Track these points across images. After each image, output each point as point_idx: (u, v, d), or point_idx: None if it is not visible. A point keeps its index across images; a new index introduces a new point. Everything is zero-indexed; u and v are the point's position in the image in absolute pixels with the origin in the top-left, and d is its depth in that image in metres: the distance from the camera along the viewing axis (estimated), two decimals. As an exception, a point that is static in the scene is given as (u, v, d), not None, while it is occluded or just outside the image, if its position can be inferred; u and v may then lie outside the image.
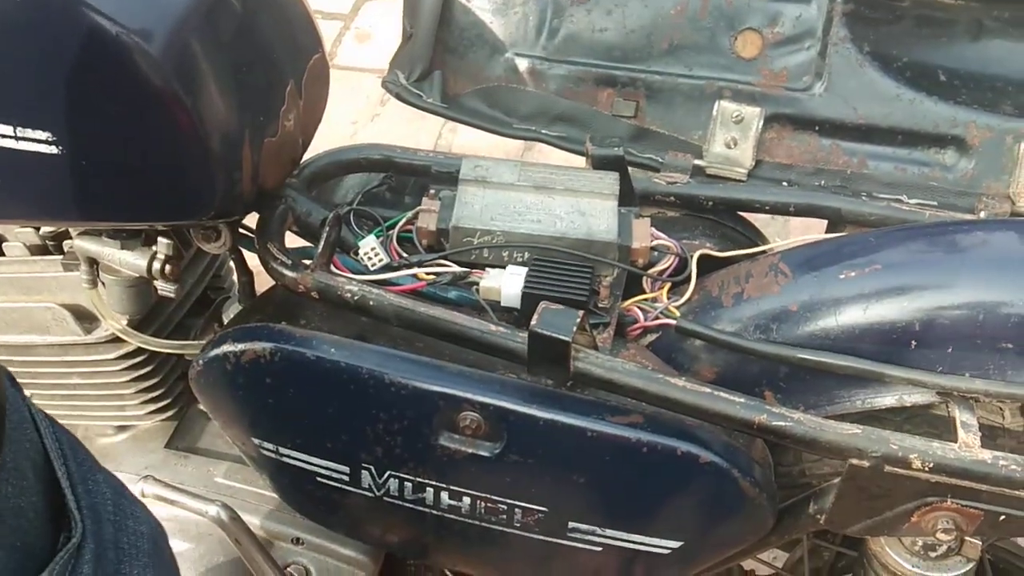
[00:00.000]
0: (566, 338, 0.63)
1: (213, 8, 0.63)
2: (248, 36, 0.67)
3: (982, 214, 0.80)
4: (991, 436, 0.65)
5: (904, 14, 0.83)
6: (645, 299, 0.74)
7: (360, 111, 2.18)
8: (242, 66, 0.66)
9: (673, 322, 0.71)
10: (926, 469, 0.60)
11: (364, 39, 2.48)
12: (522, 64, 0.88)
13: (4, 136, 0.61)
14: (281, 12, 0.72)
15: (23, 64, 0.60)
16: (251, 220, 0.77)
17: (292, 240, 0.76)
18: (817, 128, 0.84)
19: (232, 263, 0.82)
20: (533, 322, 0.64)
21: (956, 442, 0.61)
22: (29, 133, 0.61)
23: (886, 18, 0.83)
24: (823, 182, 0.84)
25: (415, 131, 1.98)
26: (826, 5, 0.82)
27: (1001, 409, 0.70)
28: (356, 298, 0.68)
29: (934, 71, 0.83)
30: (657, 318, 0.73)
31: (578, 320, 0.64)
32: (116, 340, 0.79)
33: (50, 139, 0.61)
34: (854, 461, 0.62)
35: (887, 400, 0.67)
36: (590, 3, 0.86)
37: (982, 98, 0.83)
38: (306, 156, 0.79)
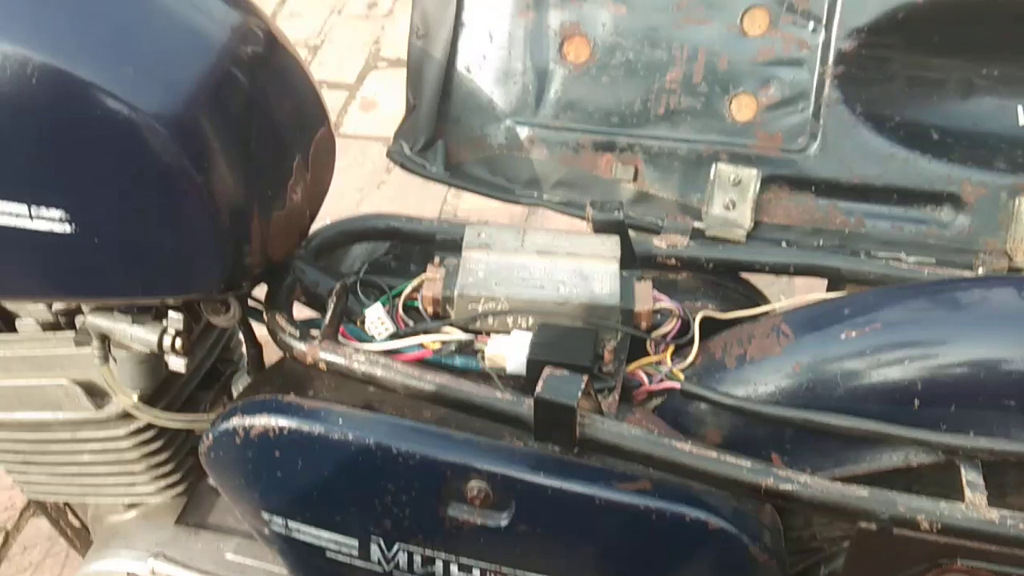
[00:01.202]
0: (571, 404, 0.63)
1: (223, 85, 0.65)
2: (257, 112, 0.69)
3: (980, 270, 0.80)
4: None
5: (895, 74, 0.85)
6: (650, 362, 0.75)
7: (366, 178, 2.21)
8: (251, 141, 0.67)
9: (678, 385, 0.72)
10: (934, 530, 0.60)
11: (369, 107, 2.52)
12: (523, 132, 0.90)
13: (19, 216, 0.63)
14: (288, 87, 0.74)
15: (38, 145, 0.62)
16: (260, 291, 0.78)
17: (301, 310, 0.77)
18: (814, 188, 0.85)
19: (241, 335, 0.83)
20: (538, 389, 0.64)
21: (963, 502, 0.61)
22: (44, 212, 0.63)
23: (877, 79, 0.84)
24: (822, 241, 0.85)
25: (421, 197, 2.01)
26: (818, 68, 0.84)
27: None
28: (363, 369, 0.69)
29: (927, 130, 0.85)
30: (662, 381, 0.73)
31: (582, 386, 0.64)
32: (127, 416, 0.80)
33: (64, 218, 0.63)
34: (863, 524, 0.62)
35: (893, 460, 0.67)
36: (587, 71, 0.89)
37: (975, 155, 0.84)
38: (314, 225, 0.81)
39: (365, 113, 2.52)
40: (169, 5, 0.65)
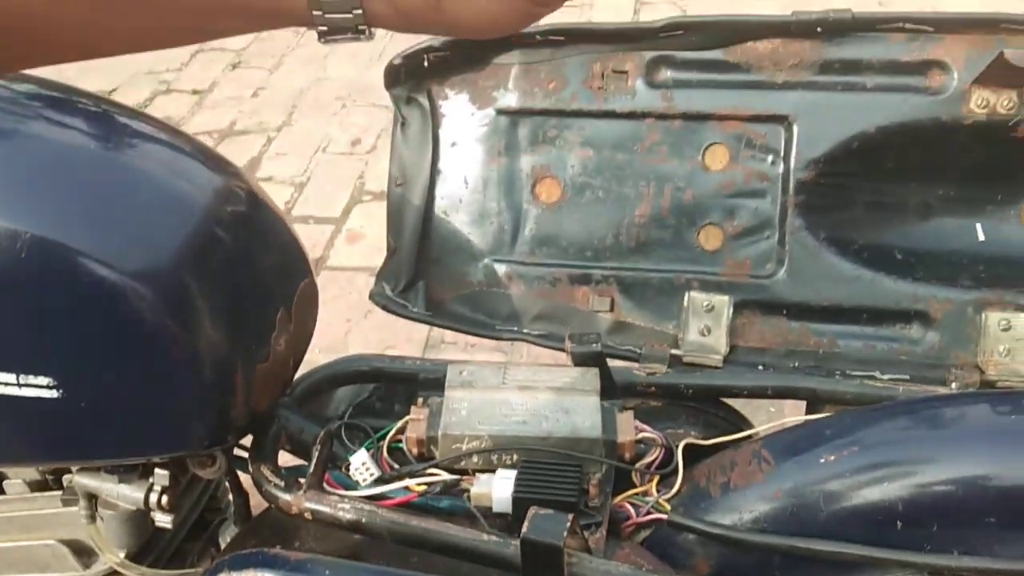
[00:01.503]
0: (558, 544, 0.64)
1: (206, 246, 0.68)
2: (240, 268, 0.71)
3: (953, 385, 0.82)
4: None
5: (854, 200, 0.89)
6: (635, 494, 0.75)
7: (353, 309, 2.23)
8: (234, 298, 0.70)
9: (665, 517, 0.72)
10: None
11: (355, 240, 2.58)
12: (500, 269, 0.93)
13: (7, 384, 0.64)
14: (271, 242, 0.77)
15: (27, 315, 0.64)
16: (248, 437, 0.79)
17: (291, 457, 0.78)
18: (785, 312, 0.88)
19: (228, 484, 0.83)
20: (524, 529, 0.65)
21: None
22: (31, 380, 0.64)
23: (838, 205, 0.88)
24: (797, 363, 0.87)
25: (408, 325, 2.02)
26: (779, 198, 0.88)
27: None
28: (347, 517, 0.69)
29: (890, 251, 0.88)
30: (648, 513, 0.74)
31: (568, 524, 0.65)
32: (115, 574, 0.79)
33: (52, 384, 0.64)
34: None
35: None
36: (559, 209, 0.92)
37: (939, 273, 0.87)
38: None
39: (351, 245, 2.57)
40: (153, 173, 0.68)
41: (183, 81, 3.37)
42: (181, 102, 3.24)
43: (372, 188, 2.75)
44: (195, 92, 3.30)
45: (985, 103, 0.83)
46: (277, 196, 2.74)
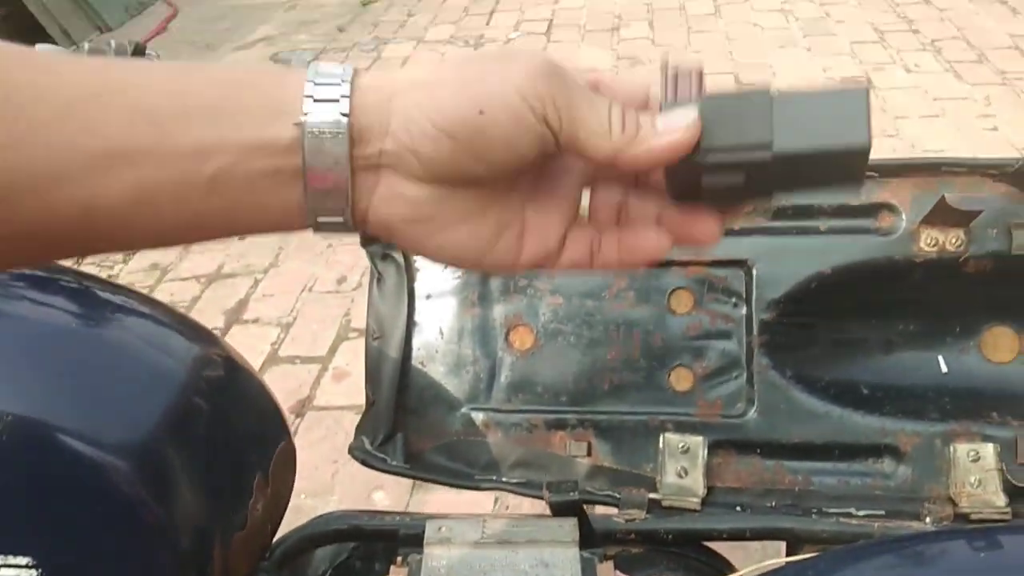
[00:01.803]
0: None
1: (183, 416, 0.69)
2: (216, 437, 0.72)
3: (928, 520, 0.83)
4: None
5: (818, 338, 0.91)
6: (619, 646, 0.75)
7: (340, 449, 2.22)
8: (211, 467, 0.71)
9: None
10: None
11: (341, 378, 2.59)
12: (478, 417, 0.94)
13: (-14, 565, 0.65)
14: (247, 407, 0.78)
15: (5, 496, 0.64)
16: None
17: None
18: (759, 450, 0.89)
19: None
20: None
21: None
22: (11, 560, 0.64)
23: (801, 343, 0.91)
24: (774, 502, 0.87)
25: (395, 464, 2.02)
26: (745, 338, 0.90)
27: None
28: None
29: (856, 386, 0.90)
30: (632, 666, 0.73)
31: None
32: None
33: (31, 563, 0.64)
34: None
35: None
36: (533, 356, 0.94)
37: (906, 406, 0.89)
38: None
39: (337, 384, 2.58)
40: (129, 346, 0.71)
41: (171, 227, 3.45)
42: (169, 248, 3.31)
43: (358, 325, 2.79)
44: (183, 237, 3.37)
45: (934, 242, 0.86)
46: (263, 338, 2.76)
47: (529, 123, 0.41)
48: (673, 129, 0.42)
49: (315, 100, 0.41)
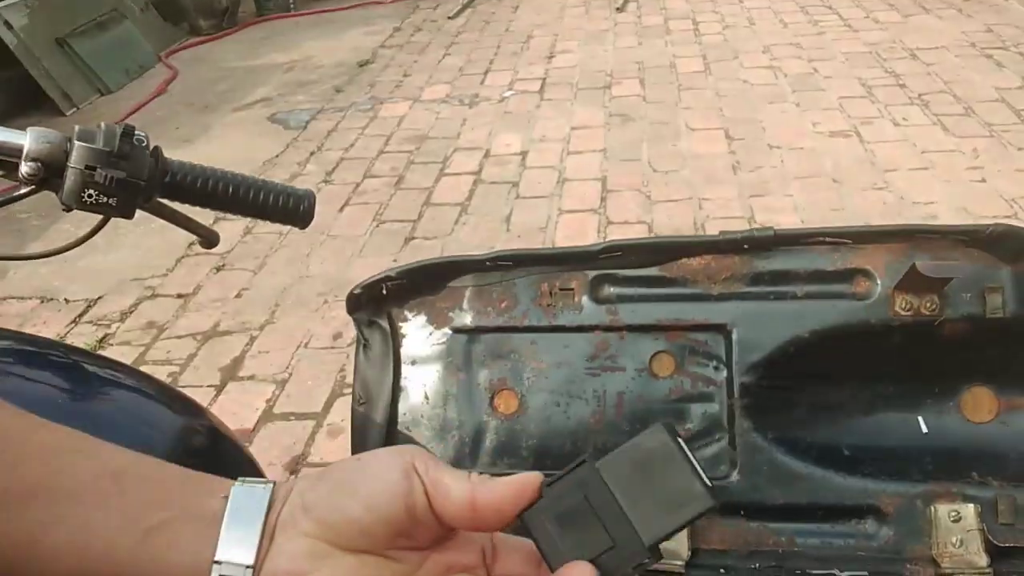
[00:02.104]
0: None
1: None
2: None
3: (910, 582, 0.83)
4: None
5: (798, 400, 0.92)
6: None
7: (334, 509, 2.22)
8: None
9: None
10: None
11: (336, 434, 2.59)
12: None
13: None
14: (230, 472, 0.79)
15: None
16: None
17: None
18: (743, 512, 0.90)
19: None
20: None
21: None
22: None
23: (782, 406, 0.92)
24: (758, 564, 0.88)
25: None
26: (726, 401, 0.91)
27: None
28: None
29: (837, 448, 0.91)
30: None
31: None
32: None
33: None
34: None
35: None
36: (518, 420, 0.95)
37: (887, 467, 0.89)
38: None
39: (332, 440, 2.58)
40: (113, 418, 0.72)
41: (168, 286, 3.47)
42: (166, 306, 3.32)
43: (353, 383, 2.78)
44: (180, 296, 3.39)
45: (909, 306, 0.88)
46: (259, 394, 2.77)
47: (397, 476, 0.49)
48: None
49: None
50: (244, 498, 0.46)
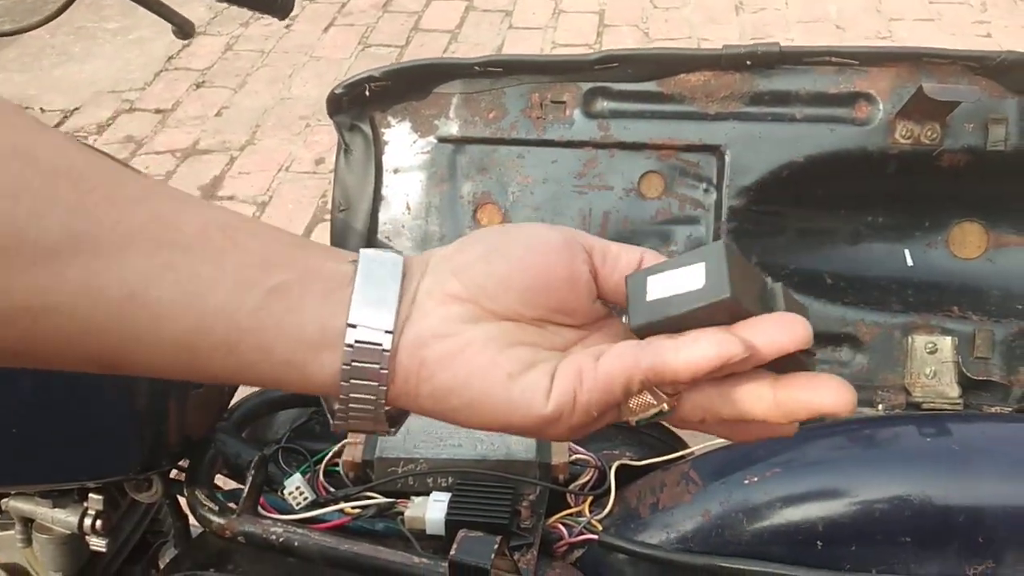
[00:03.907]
0: (485, 566, 0.65)
1: None
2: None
3: (880, 407, 0.84)
4: None
5: (785, 226, 0.91)
6: (569, 514, 0.77)
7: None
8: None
9: (596, 537, 0.73)
10: None
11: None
12: None
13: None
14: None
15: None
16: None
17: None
18: None
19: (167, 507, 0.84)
20: (452, 551, 0.66)
21: None
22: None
23: (769, 231, 0.90)
24: (732, 384, 0.89)
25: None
26: (712, 224, 0.90)
27: None
28: (280, 540, 0.70)
29: (820, 276, 0.90)
30: (581, 533, 0.75)
31: (496, 546, 0.66)
32: (51, 597, 0.80)
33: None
34: None
35: None
36: None
37: (867, 297, 0.89)
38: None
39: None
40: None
41: (147, 100, 3.37)
42: (144, 121, 3.24)
43: (334, 208, 2.75)
44: (158, 111, 3.30)
45: (910, 134, 0.85)
46: (239, 215, 2.74)
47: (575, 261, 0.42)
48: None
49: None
50: (375, 263, 0.41)
